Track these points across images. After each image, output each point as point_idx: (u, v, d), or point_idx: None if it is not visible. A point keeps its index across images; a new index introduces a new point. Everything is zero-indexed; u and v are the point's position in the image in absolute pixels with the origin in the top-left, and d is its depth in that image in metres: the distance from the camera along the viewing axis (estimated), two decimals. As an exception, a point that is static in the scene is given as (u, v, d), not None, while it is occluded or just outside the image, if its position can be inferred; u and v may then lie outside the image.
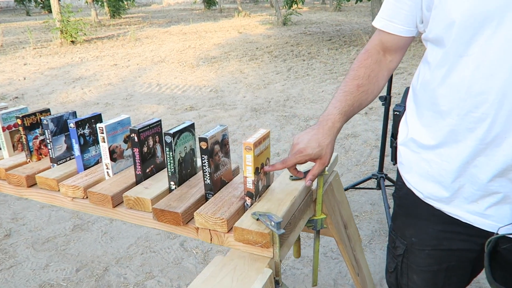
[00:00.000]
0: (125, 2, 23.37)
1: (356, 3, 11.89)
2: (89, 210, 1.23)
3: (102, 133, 1.25)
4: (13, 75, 8.16)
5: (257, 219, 0.99)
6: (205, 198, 1.15)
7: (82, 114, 5.45)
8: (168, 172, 1.18)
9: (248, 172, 1.05)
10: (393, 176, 3.13)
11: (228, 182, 1.22)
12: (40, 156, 1.48)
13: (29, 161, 1.46)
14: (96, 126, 1.30)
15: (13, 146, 1.53)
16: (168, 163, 1.17)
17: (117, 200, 1.19)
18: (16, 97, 6.58)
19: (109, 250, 2.53)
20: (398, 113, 2.02)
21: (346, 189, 2.81)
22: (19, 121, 1.41)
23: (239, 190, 1.16)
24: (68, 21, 12.15)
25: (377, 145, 3.91)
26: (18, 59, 10.01)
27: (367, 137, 4.14)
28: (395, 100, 5.11)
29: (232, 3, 36.32)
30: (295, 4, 15.83)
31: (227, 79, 7.05)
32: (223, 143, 1.17)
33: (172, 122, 4.92)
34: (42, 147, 1.48)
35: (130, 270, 2.33)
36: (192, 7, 32.45)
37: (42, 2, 28.73)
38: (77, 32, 12.27)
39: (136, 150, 1.21)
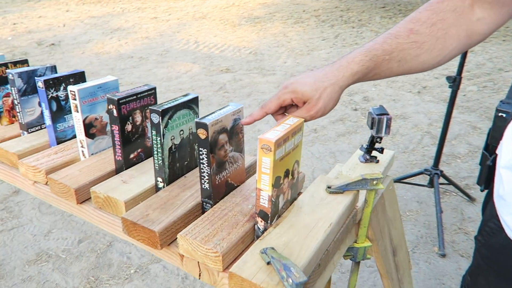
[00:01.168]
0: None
1: (419, -33, 10.77)
2: (51, 201, 0.92)
3: (75, 99, 0.92)
4: (54, 21, 8.04)
5: (268, 263, 0.63)
6: (201, 208, 0.81)
7: (115, 67, 5.21)
8: (154, 164, 0.84)
9: (264, 184, 0.68)
10: (450, 173, 2.67)
11: (238, 186, 0.86)
12: (14, 119, 1.18)
13: (-2, 124, 1.17)
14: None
15: (-15, 103, 1.23)
16: (155, 152, 0.82)
17: (84, 195, 0.86)
18: (52, 44, 6.44)
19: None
20: (504, 115, 1.36)
21: (390, 182, 2.39)
22: (-16, 73, 1.10)
23: (250, 201, 0.80)
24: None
25: (429, 131, 3.40)
26: (61, 5, 9.89)
27: (419, 121, 3.63)
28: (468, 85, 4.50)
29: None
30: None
31: (268, 42, 6.56)
32: (234, 131, 0.80)
33: (205, 83, 4.58)
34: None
35: (136, 249, 2.07)
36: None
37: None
38: (122, -19, 11.95)
39: (115, 128, 0.87)
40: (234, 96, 4.16)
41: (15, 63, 1.15)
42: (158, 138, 0.80)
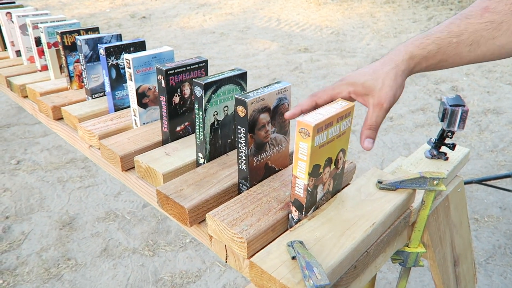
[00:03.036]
0: None
1: None
2: (102, 165, 0.95)
3: (129, 67, 0.92)
4: (147, -5, 8.46)
5: (293, 257, 0.57)
6: (237, 189, 0.77)
7: (197, 42, 5.36)
8: (196, 138, 0.82)
9: (300, 171, 0.62)
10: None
11: (280, 170, 0.81)
12: (82, 84, 1.24)
13: (69, 87, 1.23)
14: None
15: (60, 68, 1.31)
16: (197, 127, 0.80)
17: (129, 163, 0.88)
18: (144, 17, 6.79)
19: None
20: None
21: (468, 183, 2.15)
22: (58, 38, 1.16)
23: (289, 187, 0.75)
24: None
25: (527, 130, 3.00)
26: (155, -20, 10.34)
27: (516, 117, 3.21)
28: None
29: None
30: None
31: (353, 22, 6.25)
32: (278, 111, 0.74)
33: (281, 62, 4.51)
34: (85, 73, 1.23)
35: (193, 219, 2.13)
36: None
37: None
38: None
39: (163, 99, 0.86)
40: (309, 77, 4.05)
41: (87, 31, 1.20)
42: (200, 113, 0.77)
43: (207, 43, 5.32)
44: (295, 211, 0.67)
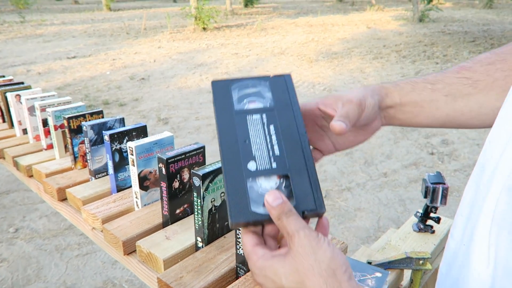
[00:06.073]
0: (260, -8, 23.93)
1: (514, -1, 10.01)
2: (104, 247, 0.99)
3: (132, 154, 0.99)
4: (147, 57, 8.83)
5: None
6: (235, 273, 0.81)
7: (194, 102, 5.54)
8: (195, 224, 0.87)
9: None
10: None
11: (275, 252, 0.85)
12: (86, 163, 1.30)
13: (73, 167, 1.30)
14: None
15: (65, 147, 1.39)
16: (196, 213, 0.85)
17: (130, 247, 0.92)
18: (143, 78, 7.06)
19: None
20: None
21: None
22: (65, 122, 1.25)
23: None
24: (203, 8, 12.79)
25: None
26: (155, 42, 10.86)
27: None
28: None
29: (367, -4, 34.55)
30: (437, -1, 14.11)
31: (344, 78, 6.51)
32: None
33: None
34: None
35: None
36: (324, -2, 31.78)
37: (186, -10, 31.17)
38: (209, 20, 12.85)
39: (163, 184, 0.92)
40: (304, 134, 4.16)
41: (92, 114, 1.29)
42: (199, 200, 0.83)
43: (204, 103, 5.50)
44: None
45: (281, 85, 0.54)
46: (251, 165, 0.46)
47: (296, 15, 17.34)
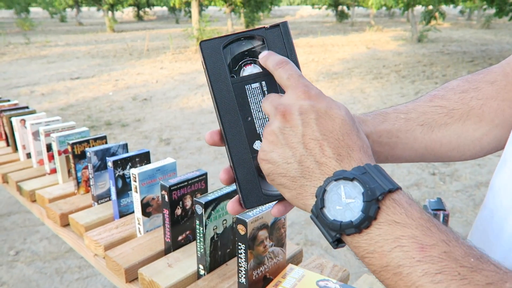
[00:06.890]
0: (260, 14, 24.37)
1: (510, 20, 10.19)
2: (106, 274, 0.99)
3: (135, 181, 1.00)
4: (149, 78, 8.94)
5: None
6: (236, 302, 0.81)
7: (195, 122, 5.58)
8: (197, 251, 0.87)
9: None
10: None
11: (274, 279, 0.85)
12: (89, 188, 1.31)
13: (76, 192, 1.31)
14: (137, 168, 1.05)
15: (69, 172, 1.40)
16: (198, 241, 0.86)
17: (133, 274, 0.92)
18: (145, 99, 7.13)
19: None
20: None
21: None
22: (69, 148, 1.26)
23: (286, 300, 0.79)
24: (204, 29, 13.01)
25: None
26: (157, 62, 11.00)
27: (509, 190, 3.28)
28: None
29: (366, 17, 35.14)
30: (434, 20, 14.34)
31: (345, 98, 6.57)
32: (276, 227, 0.81)
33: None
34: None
35: None
36: (324, 19, 32.33)
37: (189, 12, 31.80)
38: (210, 41, 13.05)
39: (166, 211, 0.93)
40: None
41: (95, 139, 1.30)
42: (201, 228, 0.84)
43: (205, 123, 5.54)
44: (292, 328, 0.70)
45: (278, 38, 0.46)
46: (257, 145, 0.44)
47: (296, 36, 17.59)
